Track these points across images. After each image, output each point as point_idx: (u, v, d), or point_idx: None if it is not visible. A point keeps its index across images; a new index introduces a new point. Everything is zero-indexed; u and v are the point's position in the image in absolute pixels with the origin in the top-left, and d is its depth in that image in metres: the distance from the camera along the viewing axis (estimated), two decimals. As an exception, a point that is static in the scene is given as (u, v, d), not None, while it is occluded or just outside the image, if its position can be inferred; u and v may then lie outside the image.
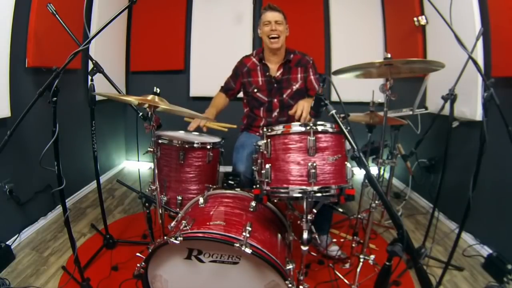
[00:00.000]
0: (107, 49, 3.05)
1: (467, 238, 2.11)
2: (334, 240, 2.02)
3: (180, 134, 2.01)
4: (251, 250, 1.11)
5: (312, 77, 2.00)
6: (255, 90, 2.02)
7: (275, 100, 2.00)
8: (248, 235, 1.18)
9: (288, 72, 1.99)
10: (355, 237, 1.79)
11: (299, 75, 1.99)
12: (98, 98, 1.84)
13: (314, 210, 1.26)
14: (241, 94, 2.17)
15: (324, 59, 3.40)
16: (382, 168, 2.35)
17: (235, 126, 2.00)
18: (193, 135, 2.01)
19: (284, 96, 1.99)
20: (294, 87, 1.98)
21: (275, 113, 2.02)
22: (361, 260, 1.63)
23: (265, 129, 1.30)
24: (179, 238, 1.15)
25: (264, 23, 1.91)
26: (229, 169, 1.97)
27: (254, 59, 2.05)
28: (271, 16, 1.89)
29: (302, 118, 1.58)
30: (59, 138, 1.36)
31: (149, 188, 1.50)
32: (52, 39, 2.15)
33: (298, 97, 1.97)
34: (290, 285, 1.15)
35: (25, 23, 2.00)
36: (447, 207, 2.32)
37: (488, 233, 1.99)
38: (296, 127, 1.24)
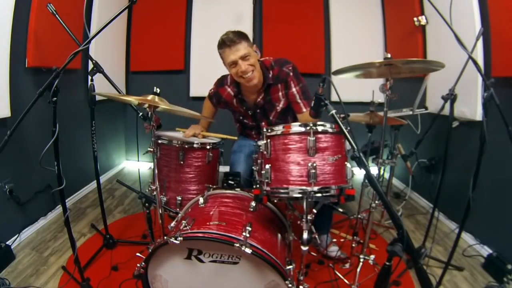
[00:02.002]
0: (107, 49, 3.05)
1: (467, 238, 2.11)
2: (334, 240, 2.02)
3: (180, 134, 2.01)
4: (251, 250, 1.11)
5: (294, 89, 1.74)
6: (241, 118, 1.96)
7: (263, 123, 1.89)
8: (248, 235, 1.18)
9: (268, 93, 1.78)
10: (355, 237, 1.79)
11: (280, 93, 1.78)
12: (98, 98, 1.85)
13: (314, 210, 1.26)
14: None
15: (324, 59, 3.39)
16: (382, 168, 2.35)
17: (233, 138, 1.90)
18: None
19: (271, 118, 1.86)
20: (278, 108, 1.81)
21: None
22: (361, 260, 1.63)
23: (265, 130, 1.30)
24: (179, 238, 1.15)
25: (229, 65, 1.63)
26: (228, 169, 1.97)
27: (229, 90, 1.87)
28: (234, 54, 1.58)
29: None
30: (59, 138, 1.36)
31: (149, 188, 1.50)
32: (52, 39, 2.15)
33: (284, 116, 1.85)
34: (290, 285, 1.15)
35: (25, 23, 2.00)
36: (447, 207, 2.32)
37: (488, 233, 1.99)
38: (296, 127, 1.24)
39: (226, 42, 1.59)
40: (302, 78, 1.80)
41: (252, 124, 1.96)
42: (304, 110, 1.75)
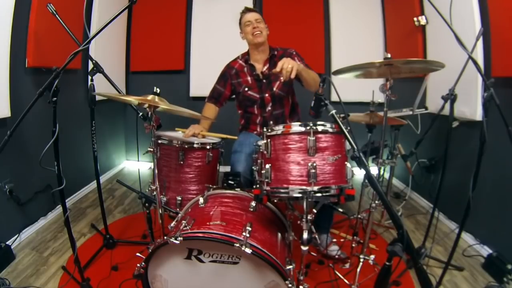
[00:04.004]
0: (107, 49, 3.05)
1: (467, 238, 2.11)
2: (334, 240, 2.02)
3: (180, 134, 2.01)
4: (251, 250, 1.11)
5: (297, 61, 1.96)
6: (246, 89, 2.06)
7: (267, 95, 2.05)
8: (248, 235, 1.18)
9: (273, 66, 1.98)
10: (355, 237, 1.79)
11: None
12: (98, 98, 1.85)
13: (314, 210, 1.27)
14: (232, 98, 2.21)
15: (324, 59, 3.40)
16: (382, 168, 2.35)
17: (233, 137, 1.94)
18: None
19: (274, 89, 2.04)
20: (282, 79, 1.98)
21: (269, 107, 2.06)
22: (361, 260, 1.63)
23: (265, 129, 1.30)
24: (179, 238, 1.15)
25: (245, 24, 2.02)
26: (229, 169, 1.97)
27: (240, 61, 2.12)
28: (251, 16, 2.00)
29: (287, 72, 1.58)
30: (59, 138, 1.36)
31: (149, 188, 1.50)
32: (52, 39, 2.15)
33: (287, 87, 2.05)
34: (290, 285, 1.15)
35: (25, 23, 2.00)
36: (447, 207, 2.32)
37: (488, 233, 1.99)
38: (296, 127, 1.24)
39: (248, 8, 2.08)
40: (303, 59, 2.08)
41: (256, 97, 2.05)
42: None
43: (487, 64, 1.95)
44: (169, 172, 1.78)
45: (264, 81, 2.05)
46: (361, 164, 1.11)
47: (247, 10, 2.06)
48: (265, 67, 2.07)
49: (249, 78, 2.07)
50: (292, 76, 1.60)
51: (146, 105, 1.42)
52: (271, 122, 1.89)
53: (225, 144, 1.94)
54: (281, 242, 1.39)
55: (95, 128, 1.82)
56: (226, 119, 2.35)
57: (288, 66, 1.59)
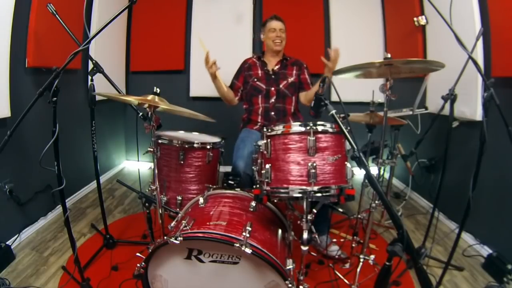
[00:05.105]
0: (107, 49, 3.05)
1: (467, 238, 2.11)
2: (334, 240, 2.02)
3: (180, 134, 2.01)
4: (251, 250, 1.11)
5: (306, 75, 2.26)
6: (255, 80, 2.23)
7: (272, 88, 2.20)
8: (248, 235, 1.18)
9: (284, 68, 2.26)
10: (355, 237, 1.79)
11: (294, 72, 2.25)
12: (98, 98, 1.84)
13: (314, 210, 1.27)
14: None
15: (324, 59, 3.39)
16: (382, 168, 2.35)
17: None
18: (193, 135, 2.01)
19: (281, 86, 2.21)
20: (290, 80, 2.23)
21: (272, 100, 2.19)
22: (361, 260, 1.63)
23: (265, 129, 1.30)
24: (179, 238, 1.15)
25: (270, 30, 2.22)
26: (229, 169, 1.97)
27: (253, 59, 2.34)
28: (277, 24, 2.21)
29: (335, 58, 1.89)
30: (59, 138, 1.36)
31: (149, 188, 1.50)
32: (52, 39, 2.15)
33: (292, 88, 2.23)
34: (290, 285, 1.15)
35: (25, 23, 2.00)
36: (447, 207, 2.32)
37: (488, 233, 1.99)
38: (296, 127, 1.25)
39: (276, 16, 2.25)
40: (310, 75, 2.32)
41: (262, 88, 2.21)
42: (311, 87, 2.25)
43: (487, 64, 1.95)
44: (169, 172, 1.78)
45: (273, 76, 2.23)
46: (361, 164, 1.11)
47: (275, 17, 2.25)
48: (276, 66, 2.26)
49: (259, 72, 2.25)
50: (333, 64, 1.91)
51: (146, 105, 1.42)
52: (273, 113, 2.13)
53: (226, 144, 1.94)
54: (281, 242, 1.39)
55: (95, 128, 1.82)
56: (226, 119, 2.36)
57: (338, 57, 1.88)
